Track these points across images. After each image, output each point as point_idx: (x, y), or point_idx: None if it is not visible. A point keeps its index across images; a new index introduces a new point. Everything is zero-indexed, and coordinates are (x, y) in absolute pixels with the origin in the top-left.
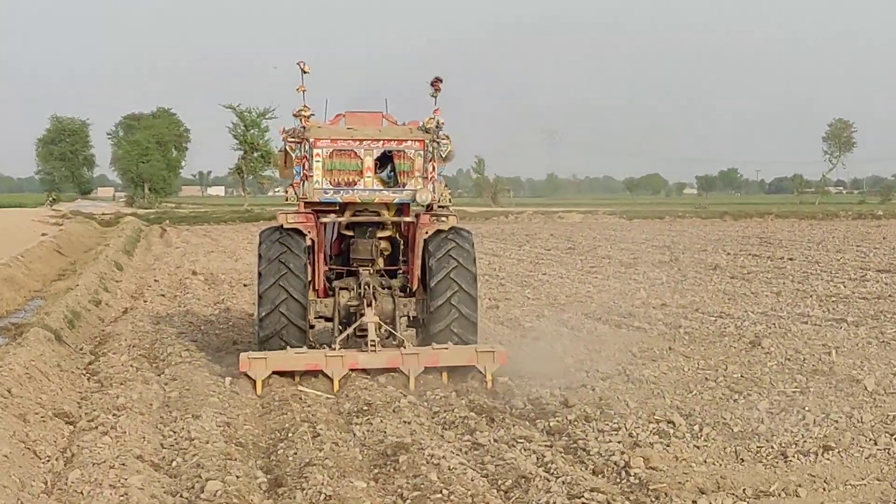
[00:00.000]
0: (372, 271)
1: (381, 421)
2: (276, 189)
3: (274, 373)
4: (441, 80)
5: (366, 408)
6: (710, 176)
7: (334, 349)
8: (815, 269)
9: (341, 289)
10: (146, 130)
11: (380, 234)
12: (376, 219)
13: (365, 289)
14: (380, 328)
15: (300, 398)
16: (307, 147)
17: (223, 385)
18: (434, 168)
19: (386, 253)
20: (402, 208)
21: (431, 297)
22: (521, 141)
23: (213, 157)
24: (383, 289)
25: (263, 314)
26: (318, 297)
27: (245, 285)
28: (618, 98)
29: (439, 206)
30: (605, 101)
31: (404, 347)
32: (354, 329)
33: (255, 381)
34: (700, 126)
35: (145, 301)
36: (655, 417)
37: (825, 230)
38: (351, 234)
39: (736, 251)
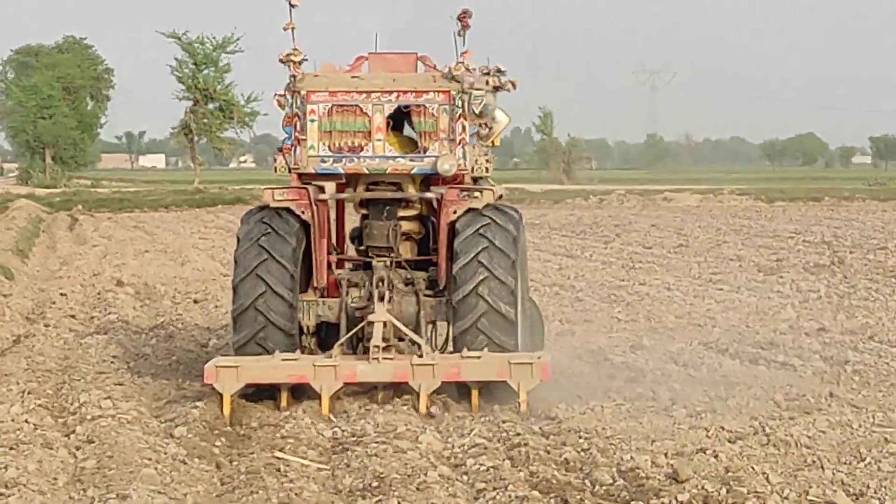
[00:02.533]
0: (390, 262)
1: None
2: (242, 158)
3: (250, 390)
4: (470, 14)
5: (375, 483)
6: (891, 136)
7: (330, 357)
8: None
9: (350, 286)
10: (48, 71)
11: (402, 214)
12: (389, 195)
13: (378, 284)
14: (393, 332)
15: (278, 469)
16: (299, 102)
17: (163, 449)
18: (465, 128)
19: (418, 237)
20: (431, 180)
21: (455, 286)
22: (607, 86)
23: (148, 110)
24: (407, 285)
25: (237, 313)
26: (321, 296)
27: (196, 301)
28: (752, 22)
29: (474, 178)
30: (733, 26)
31: (419, 356)
32: (358, 332)
33: (221, 399)
34: (877, 62)
35: (47, 325)
36: (810, 498)
37: None
38: (366, 213)
39: None
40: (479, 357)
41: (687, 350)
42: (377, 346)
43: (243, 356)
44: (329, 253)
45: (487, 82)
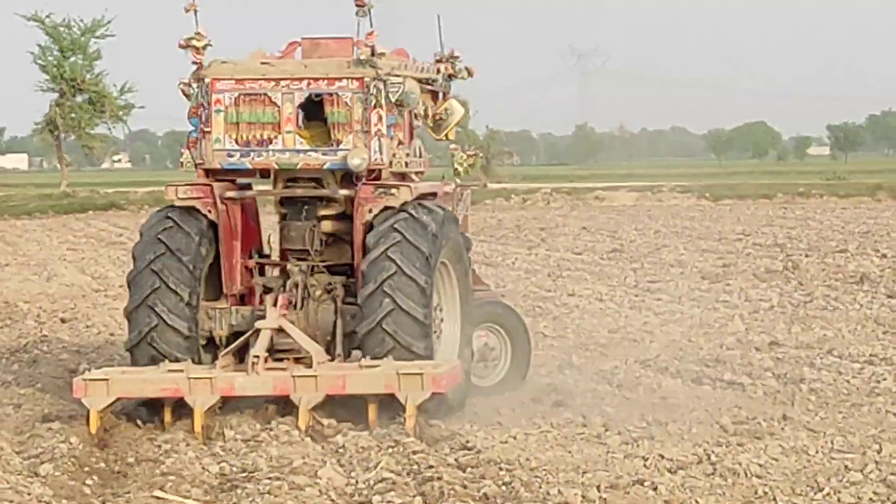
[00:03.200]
0: (305, 267)
1: None
2: (116, 158)
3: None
4: None
5: None
6: (851, 125)
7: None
8: None
9: (264, 292)
10: None
11: (323, 213)
12: (301, 191)
13: (292, 290)
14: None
15: None
16: (203, 91)
17: (27, 489)
18: (381, 118)
19: (348, 239)
20: (353, 176)
21: (362, 285)
22: (531, 71)
23: (7, 105)
24: (328, 292)
25: (129, 310)
26: (237, 303)
27: (63, 321)
28: None
29: (402, 174)
30: (672, 3)
31: (307, 366)
32: (246, 341)
33: (88, 414)
34: (834, 43)
35: None
36: None
37: None
38: (285, 213)
39: None
40: (364, 367)
41: (622, 369)
42: (257, 357)
43: (136, 360)
44: (251, 257)
45: (439, 70)
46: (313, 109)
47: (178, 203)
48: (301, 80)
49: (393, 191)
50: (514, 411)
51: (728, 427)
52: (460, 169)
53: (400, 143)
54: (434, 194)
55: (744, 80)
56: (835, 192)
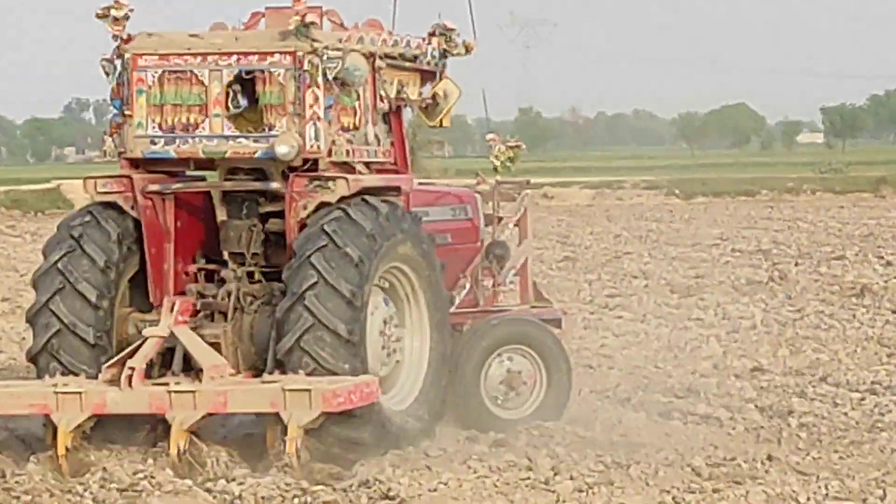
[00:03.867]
0: (242, 272)
1: None
2: None
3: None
4: None
5: None
6: (848, 107)
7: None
8: None
9: (198, 298)
10: None
11: (267, 210)
12: (229, 185)
13: (224, 297)
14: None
15: None
16: (125, 68)
17: None
18: (317, 98)
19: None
20: (295, 168)
21: (284, 297)
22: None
23: None
24: (264, 301)
25: (30, 314)
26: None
27: None
28: None
29: (335, 164)
30: None
31: (195, 380)
32: (132, 351)
33: None
34: (830, 8)
35: None
36: None
37: None
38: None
39: None
40: (275, 381)
41: (575, 401)
42: (132, 368)
43: (39, 371)
44: (194, 261)
45: (431, 43)
46: (250, 89)
47: (96, 198)
48: (230, 54)
49: (330, 183)
50: (446, 452)
51: (702, 470)
52: (497, 163)
53: (344, 128)
54: (396, 189)
55: (721, 54)
56: (830, 187)
